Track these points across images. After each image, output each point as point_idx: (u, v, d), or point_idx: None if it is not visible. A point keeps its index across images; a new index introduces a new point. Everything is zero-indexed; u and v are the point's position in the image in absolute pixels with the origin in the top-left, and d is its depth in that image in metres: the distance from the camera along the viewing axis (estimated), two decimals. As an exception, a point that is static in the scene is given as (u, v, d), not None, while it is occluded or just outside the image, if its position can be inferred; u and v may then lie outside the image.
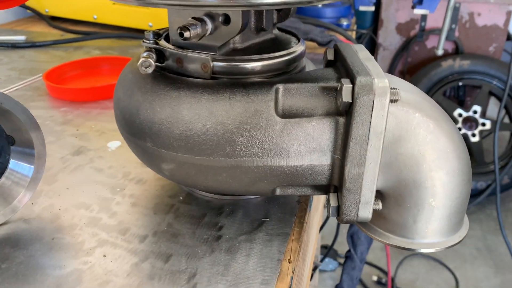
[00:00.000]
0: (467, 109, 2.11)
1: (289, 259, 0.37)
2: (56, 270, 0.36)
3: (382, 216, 0.40)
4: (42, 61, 0.87)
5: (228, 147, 0.35)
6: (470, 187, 0.39)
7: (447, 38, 2.15)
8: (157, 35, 0.42)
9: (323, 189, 0.38)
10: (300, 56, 0.41)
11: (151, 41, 0.40)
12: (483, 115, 2.12)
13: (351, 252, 0.90)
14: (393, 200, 0.38)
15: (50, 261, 0.37)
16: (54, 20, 1.18)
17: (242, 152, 0.35)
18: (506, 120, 2.14)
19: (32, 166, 0.41)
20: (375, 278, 1.68)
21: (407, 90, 0.37)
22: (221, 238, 0.39)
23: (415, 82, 2.13)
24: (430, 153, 0.36)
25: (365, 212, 0.37)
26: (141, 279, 0.35)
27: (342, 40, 0.84)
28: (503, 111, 2.06)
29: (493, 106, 2.53)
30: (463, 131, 2.11)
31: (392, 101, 0.33)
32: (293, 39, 0.44)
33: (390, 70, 2.36)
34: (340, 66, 0.38)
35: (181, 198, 0.45)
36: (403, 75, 2.35)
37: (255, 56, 0.38)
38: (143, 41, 0.40)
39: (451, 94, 2.26)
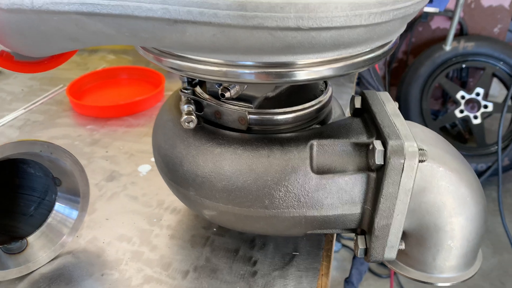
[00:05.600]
0: (469, 91, 2.13)
1: (320, 295, 0.41)
2: (111, 309, 0.40)
3: (404, 253, 0.43)
4: (59, 68, 0.89)
5: (267, 200, 0.38)
6: (486, 227, 0.42)
7: (451, 18, 2.14)
8: (192, 78, 0.44)
9: (351, 230, 0.42)
10: (328, 102, 0.44)
11: (189, 91, 0.42)
12: (486, 97, 2.14)
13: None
14: (415, 240, 0.42)
15: (104, 298, 0.41)
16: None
17: (279, 204, 0.38)
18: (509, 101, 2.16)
19: (77, 211, 0.44)
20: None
21: (431, 143, 0.40)
22: (256, 274, 0.43)
23: (418, 65, 2.14)
24: (450, 201, 0.39)
25: (391, 254, 0.40)
26: (189, 317, 0.39)
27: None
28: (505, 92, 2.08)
29: (494, 85, 2.54)
30: (465, 113, 2.13)
31: (420, 161, 0.36)
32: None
33: (394, 51, 2.36)
34: (368, 118, 0.41)
35: (214, 229, 0.48)
36: (407, 55, 2.35)
37: (287, 108, 0.40)
38: (181, 91, 0.42)
39: (454, 75, 2.27)
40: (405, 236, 0.42)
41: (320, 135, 0.39)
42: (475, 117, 2.13)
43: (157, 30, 0.29)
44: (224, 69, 0.33)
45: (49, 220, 0.45)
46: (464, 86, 2.26)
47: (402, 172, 0.35)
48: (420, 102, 2.15)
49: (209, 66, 0.33)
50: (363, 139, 0.38)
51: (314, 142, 0.38)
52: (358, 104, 0.43)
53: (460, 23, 2.16)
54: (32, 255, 0.43)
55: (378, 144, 0.35)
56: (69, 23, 0.30)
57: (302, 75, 0.33)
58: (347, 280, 0.96)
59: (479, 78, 2.13)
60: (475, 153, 2.11)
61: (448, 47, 1.13)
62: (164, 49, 0.35)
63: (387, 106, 0.40)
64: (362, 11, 0.28)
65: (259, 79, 0.33)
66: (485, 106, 2.12)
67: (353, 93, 0.78)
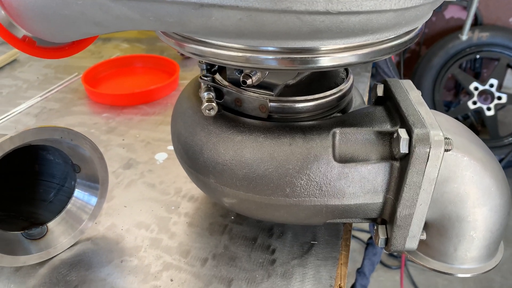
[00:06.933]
0: (483, 82, 2.10)
1: (339, 285, 0.41)
2: (131, 295, 0.40)
3: (425, 243, 0.43)
4: (74, 56, 0.89)
5: (288, 188, 0.37)
6: (508, 218, 0.41)
7: (466, 7, 2.10)
8: (211, 65, 0.43)
9: (371, 219, 0.41)
10: (349, 90, 0.43)
11: (209, 78, 0.42)
12: (499, 88, 2.11)
13: (372, 239, 0.94)
14: (436, 230, 0.41)
15: (124, 284, 0.41)
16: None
17: (301, 193, 0.37)
18: (522, 93, 2.12)
19: (96, 197, 0.44)
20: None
21: (455, 132, 0.39)
22: (275, 262, 0.43)
23: (431, 55, 2.11)
24: (474, 191, 0.38)
25: (412, 244, 0.40)
26: (209, 305, 0.39)
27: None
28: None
29: (508, 76, 2.50)
30: (478, 104, 2.10)
31: (446, 150, 0.35)
32: (341, 68, 0.46)
33: (407, 41, 2.33)
34: (391, 106, 0.40)
35: (232, 217, 0.48)
36: (419, 46, 2.32)
37: (308, 96, 0.40)
38: (201, 78, 0.42)
39: (467, 66, 2.24)
40: (426, 226, 0.41)
41: (343, 124, 0.38)
42: (488, 109, 2.10)
43: (183, 14, 0.29)
44: (248, 54, 0.33)
45: (69, 206, 0.45)
46: (478, 77, 2.23)
47: (427, 161, 0.34)
48: (433, 93, 2.12)
49: (232, 51, 0.33)
50: (387, 127, 0.38)
51: (337, 131, 0.37)
52: (380, 92, 0.42)
53: (475, 13, 2.12)
54: (53, 240, 0.43)
55: (403, 133, 0.35)
56: (93, 7, 0.30)
57: (326, 61, 0.33)
58: (359, 271, 0.96)
59: (493, 69, 2.09)
60: (487, 145, 2.09)
61: (464, 37, 1.11)
62: (187, 34, 0.34)
63: (410, 94, 0.39)
64: (392, -5, 0.28)
65: (282, 65, 0.33)
66: (499, 98, 2.09)
67: (369, 83, 0.78)
